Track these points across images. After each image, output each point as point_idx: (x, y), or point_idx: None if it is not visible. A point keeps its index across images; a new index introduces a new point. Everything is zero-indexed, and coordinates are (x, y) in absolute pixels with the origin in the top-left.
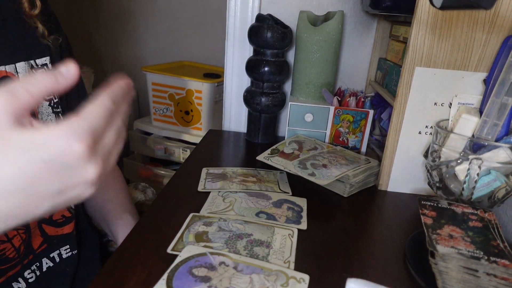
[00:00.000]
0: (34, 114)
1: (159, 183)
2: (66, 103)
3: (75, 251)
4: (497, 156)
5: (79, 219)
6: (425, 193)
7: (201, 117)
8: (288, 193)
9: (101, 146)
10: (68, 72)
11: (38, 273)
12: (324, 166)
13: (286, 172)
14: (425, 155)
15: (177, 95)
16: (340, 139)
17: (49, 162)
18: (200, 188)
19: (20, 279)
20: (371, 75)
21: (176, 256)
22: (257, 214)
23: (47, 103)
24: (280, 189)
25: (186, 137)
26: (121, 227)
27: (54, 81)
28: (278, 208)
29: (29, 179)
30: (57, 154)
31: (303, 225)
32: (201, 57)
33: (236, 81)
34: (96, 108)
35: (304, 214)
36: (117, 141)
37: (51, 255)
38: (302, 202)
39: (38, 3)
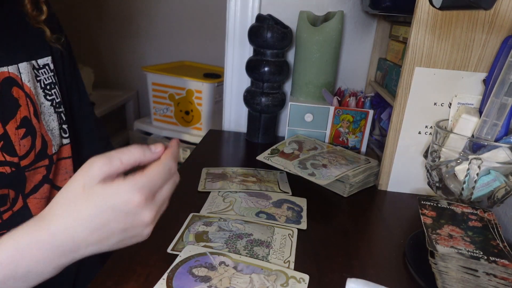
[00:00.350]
0: (37, 114)
1: None
2: (68, 103)
3: None
4: (497, 156)
5: None
6: (425, 193)
7: (201, 117)
8: (288, 193)
9: (157, 197)
10: (156, 149)
11: None
12: (324, 166)
13: (286, 172)
14: (425, 155)
15: (177, 95)
16: (340, 139)
17: (116, 209)
18: (200, 188)
19: None
20: (371, 75)
21: (176, 256)
22: (257, 214)
23: (49, 103)
24: (280, 189)
25: (186, 137)
26: None
27: (143, 155)
28: (278, 208)
29: (103, 219)
30: (122, 203)
31: (303, 225)
32: (201, 57)
33: (236, 81)
34: (158, 168)
35: (304, 214)
36: (171, 190)
37: None
38: (302, 202)
39: (45, 8)
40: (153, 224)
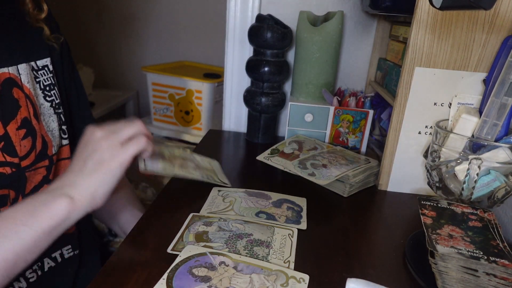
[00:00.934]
0: (37, 115)
1: (159, 183)
2: (67, 104)
3: (77, 251)
4: (497, 156)
5: (80, 219)
6: (425, 193)
7: (201, 117)
8: (227, 184)
9: (115, 135)
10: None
11: (39, 272)
12: (324, 166)
13: (286, 172)
14: (425, 155)
15: (177, 95)
16: (340, 139)
17: (92, 141)
18: (141, 168)
19: (21, 279)
20: (371, 75)
21: (176, 256)
22: (257, 214)
23: (49, 104)
24: (219, 179)
25: (186, 137)
26: (132, 223)
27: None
28: (278, 208)
29: (86, 149)
30: (95, 138)
31: (303, 225)
32: (201, 57)
33: (236, 81)
34: (121, 124)
35: (304, 214)
36: (131, 143)
37: (53, 255)
38: (302, 202)
39: (45, 7)
40: (118, 155)
